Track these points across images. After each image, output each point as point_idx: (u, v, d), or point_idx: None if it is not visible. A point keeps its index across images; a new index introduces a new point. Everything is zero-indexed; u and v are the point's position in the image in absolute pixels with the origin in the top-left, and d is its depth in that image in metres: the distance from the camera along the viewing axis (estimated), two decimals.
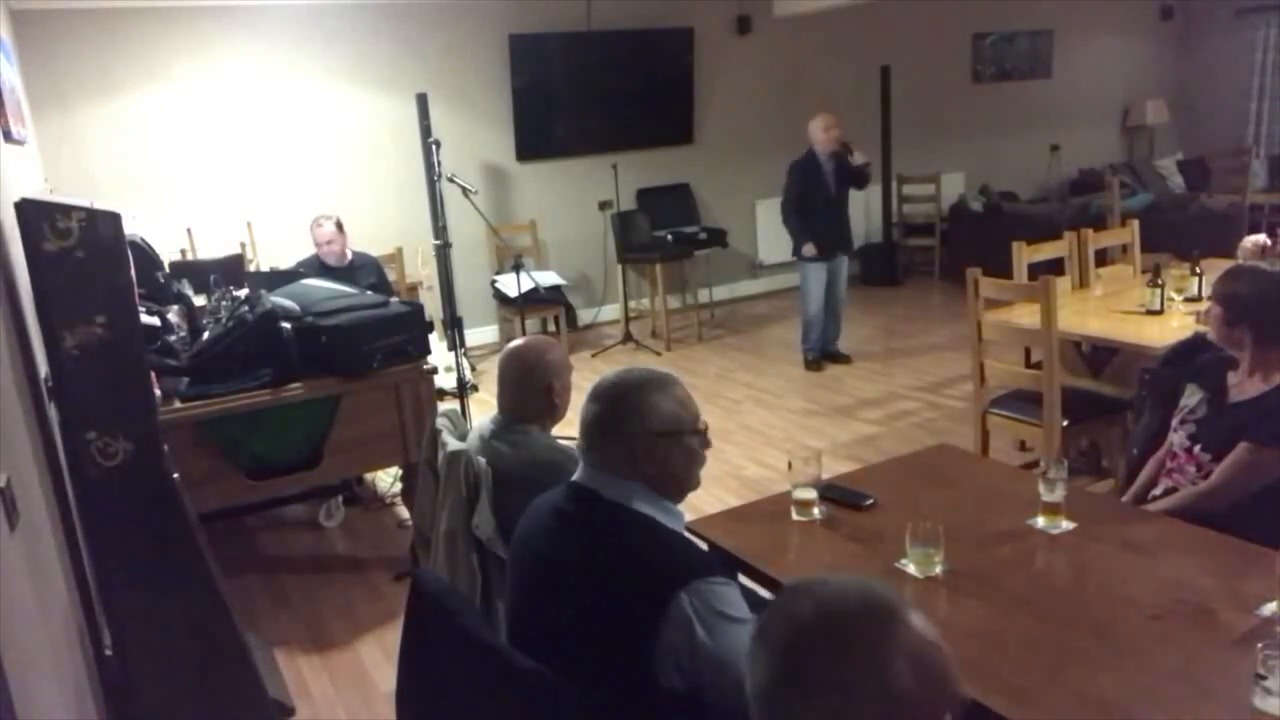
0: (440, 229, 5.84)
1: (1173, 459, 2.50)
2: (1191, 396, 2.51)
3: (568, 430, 2.56)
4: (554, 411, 2.36)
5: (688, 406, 1.70)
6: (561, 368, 2.35)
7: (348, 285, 4.08)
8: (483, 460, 2.24)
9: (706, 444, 1.73)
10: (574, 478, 1.71)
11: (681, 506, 1.72)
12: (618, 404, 1.66)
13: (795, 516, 2.24)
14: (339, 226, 5.07)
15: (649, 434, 1.63)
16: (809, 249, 5.79)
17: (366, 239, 5.64)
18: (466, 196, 4.89)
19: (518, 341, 2.44)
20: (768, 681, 0.99)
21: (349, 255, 5.15)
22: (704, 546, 2.15)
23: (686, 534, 1.69)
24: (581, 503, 1.67)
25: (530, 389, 2.32)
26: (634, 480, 1.64)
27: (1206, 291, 3.69)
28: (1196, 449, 2.42)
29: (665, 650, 1.49)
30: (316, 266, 4.99)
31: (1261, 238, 3.99)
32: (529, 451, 2.27)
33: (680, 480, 1.69)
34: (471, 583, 2.24)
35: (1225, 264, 3.76)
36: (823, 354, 6.08)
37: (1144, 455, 2.65)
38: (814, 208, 5.81)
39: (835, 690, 0.96)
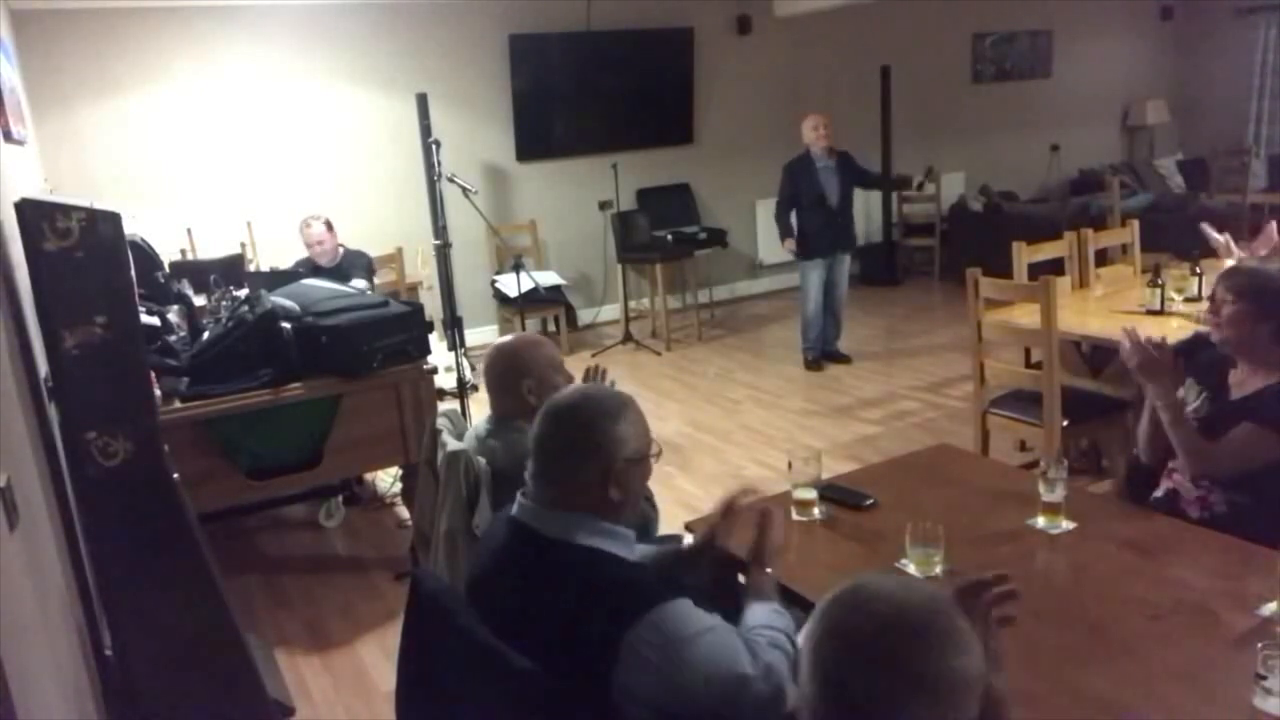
0: (440, 229, 5.84)
1: (1173, 458, 2.50)
2: (1190, 392, 2.51)
3: None
4: (532, 411, 2.31)
5: (643, 424, 1.65)
6: (536, 365, 2.30)
7: (340, 284, 4.08)
8: (482, 460, 2.24)
9: (658, 457, 1.70)
10: (512, 512, 1.64)
11: (681, 508, 1.71)
12: (591, 432, 1.58)
13: (795, 516, 2.24)
14: (328, 226, 5.05)
15: (619, 464, 1.57)
16: (788, 245, 5.91)
17: (366, 239, 5.64)
18: (466, 196, 4.89)
19: (501, 340, 2.43)
20: (831, 669, 1.07)
21: (340, 253, 5.14)
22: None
23: (632, 559, 1.62)
24: (520, 542, 1.60)
25: (510, 389, 2.31)
26: (584, 511, 1.57)
27: (1206, 291, 3.70)
28: None
29: (623, 690, 1.45)
30: (310, 267, 4.99)
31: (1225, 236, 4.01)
32: (521, 448, 2.27)
33: (636, 501, 1.65)
34: None
35: (1224, 264, 3.77)
36: (823, 354, 6.08)
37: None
38: (807, 207, 5.85)
39: (921, 687, 1.04)
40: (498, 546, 1.65)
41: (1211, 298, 2.46)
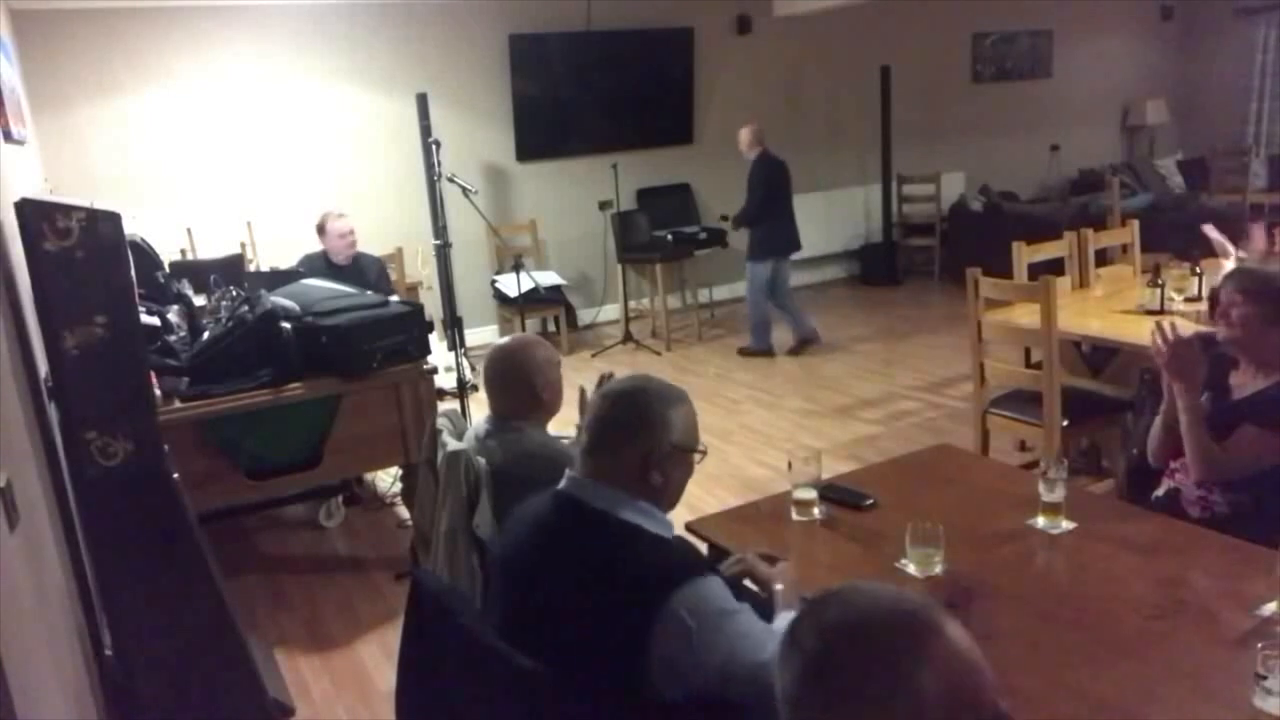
0: (440, 229, 5.85)
1: (1175, 458, 2.49)
2: None
3: (566, 430, 2.56)
4: (543, 405, 2.36)
5: (694, 421, 1.70)
6: (545, 364, 2.35)
7: (353, 284, 4.09)
8: (482, 460, 2.24)
9: (699, 461, 1.74)
10: (559, 487, 1.67)
11: (681, 508, 1.72)
12: (642, 411, 1.63)
13: (795, 516, 2.24)
14: None
15: (667, 446, 1.62)
16: None
17: (366, 239, 5.62)
18: (466, 196, 4.89)
19: (501, 341, 2.46)
20: (795, 686, 0.99)
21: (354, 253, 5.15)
22: (703, 547, 2.15)
23: (671, 539, 1.66)
24: (565, 513, 1.63)
25: (516, 388, 2.33)
26: (627, 489, 1.61)
27: (1206, 291, 3.70)
28: None
29: (659, 660, 1.47)
30: (322, 264, 4.97)
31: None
32: (519, 446, 2.28)
33: (676, 494, 1.69)
34: (471, 583, 2.24)
35: (1224, 264, 3.77)
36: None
37: (1144, 455, 2.65)
38: None
39: (859, 697, 0.95)
40: (540, 517, 1.68)
41: (1214, 298, 2.46)
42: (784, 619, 1.68)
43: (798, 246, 6.43)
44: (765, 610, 1.70)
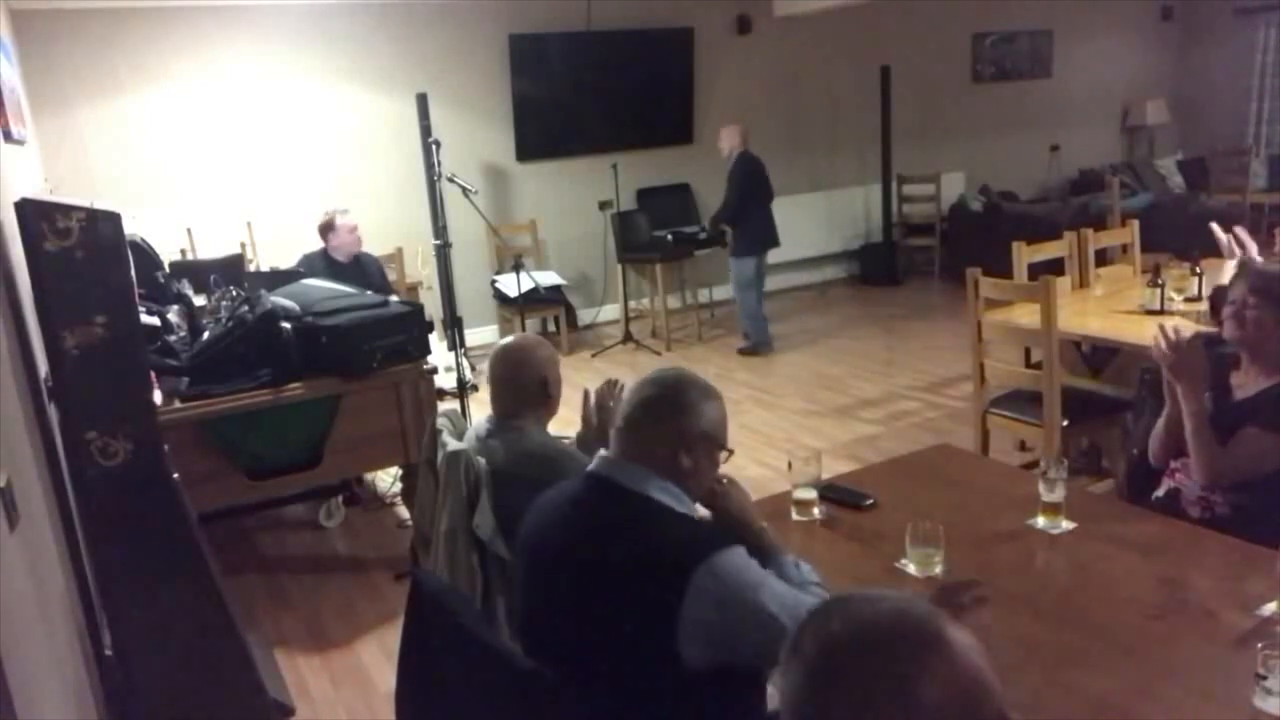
0: (440, 229, 5.85)
1: (1177, 458, 2.49)
2: None
3: (566, 430, 2.57)
4: (549, 404, 2.40)
5: (724, 417, 1.77)
6: (552, 362, 2.40)
7: (356, 283, 4.09)
8: (482, 460, 2.24)
9: (724, 460, 1.79)
10: (590, 468, 1.72)
11: None
12: (679, 394, 1.70)
13: (795, 516, 2.24)
14: None
15: (697, 431, 1.68)
16: None
17: (366, 239, 5.63)
18: (466, 196, 4.90)
19: (505, 341, 2.48)
20: (797, 693, 0.98)
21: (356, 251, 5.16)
22: None
23: (697, 518, 1.72)
24: (597, 492, 1.68)
25: (524, 385, 2.35)
26: (658, 471, 1.66)
27: (1206, 291, 3.70)
28: None
29: (688, 625, 1.50)
30: (322, 264, 4.97)
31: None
32: (520, 445, 2.29)
33: (702, 483, 1.75)
34: (471, 583, 2.25)
35: (1225, 264, 3.76)
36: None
37: (1144, 455, 2.64)
38: None
39: (859, 705, 0.94)
40: (572, 496, 1.72)
41: (1215, 297, 2.45)
42: (787, 565, 1.74)
43: (776, 243, 6.43)
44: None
